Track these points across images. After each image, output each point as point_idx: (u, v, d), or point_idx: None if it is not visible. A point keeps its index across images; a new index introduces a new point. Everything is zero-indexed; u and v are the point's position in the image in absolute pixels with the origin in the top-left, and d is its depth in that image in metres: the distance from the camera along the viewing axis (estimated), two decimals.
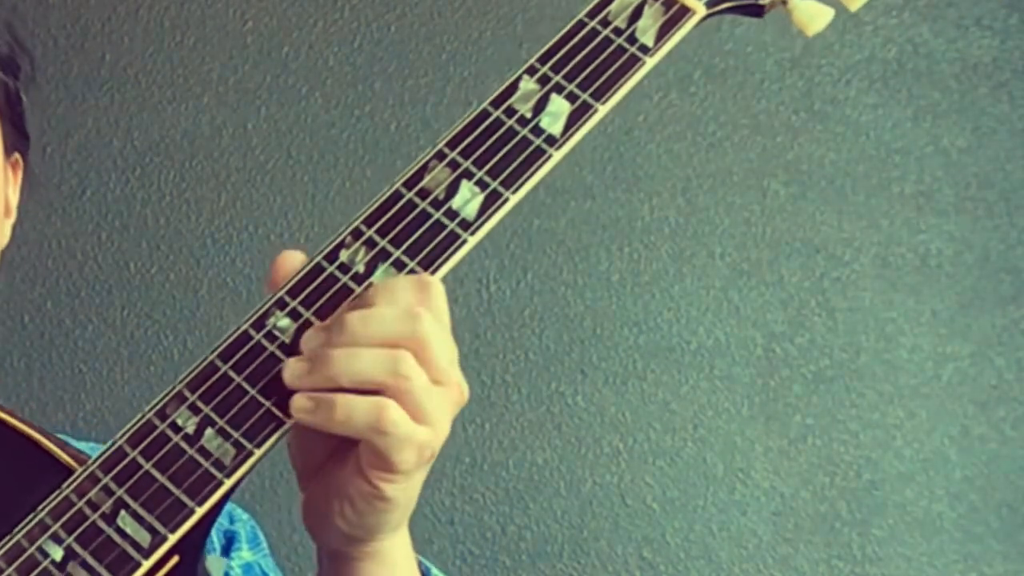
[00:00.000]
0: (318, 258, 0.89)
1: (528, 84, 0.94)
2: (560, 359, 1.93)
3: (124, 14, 1.95)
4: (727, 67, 1.97)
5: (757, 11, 0.98)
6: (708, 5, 0.95)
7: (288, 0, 1.97)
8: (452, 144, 0.91)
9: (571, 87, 0.93)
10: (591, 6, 0.95)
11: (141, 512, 0.85)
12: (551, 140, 0.91)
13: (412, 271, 0.88)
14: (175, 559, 0.85)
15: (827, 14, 0.97)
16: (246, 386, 0.87)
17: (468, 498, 1.91)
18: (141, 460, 0.86)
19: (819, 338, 1.95)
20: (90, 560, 0.84)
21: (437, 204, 0.89)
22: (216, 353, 0.88)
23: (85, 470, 0.86)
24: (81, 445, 1.13)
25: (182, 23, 1.95)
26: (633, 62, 0.93)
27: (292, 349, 0.87)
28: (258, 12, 1.96)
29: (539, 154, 0.91)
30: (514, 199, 0.90)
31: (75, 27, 1.94)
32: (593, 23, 0.94)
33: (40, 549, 0.85)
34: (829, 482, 1.93)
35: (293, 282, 0.89)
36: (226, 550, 1.21)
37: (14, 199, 1.20)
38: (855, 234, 1.96)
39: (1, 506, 0.87)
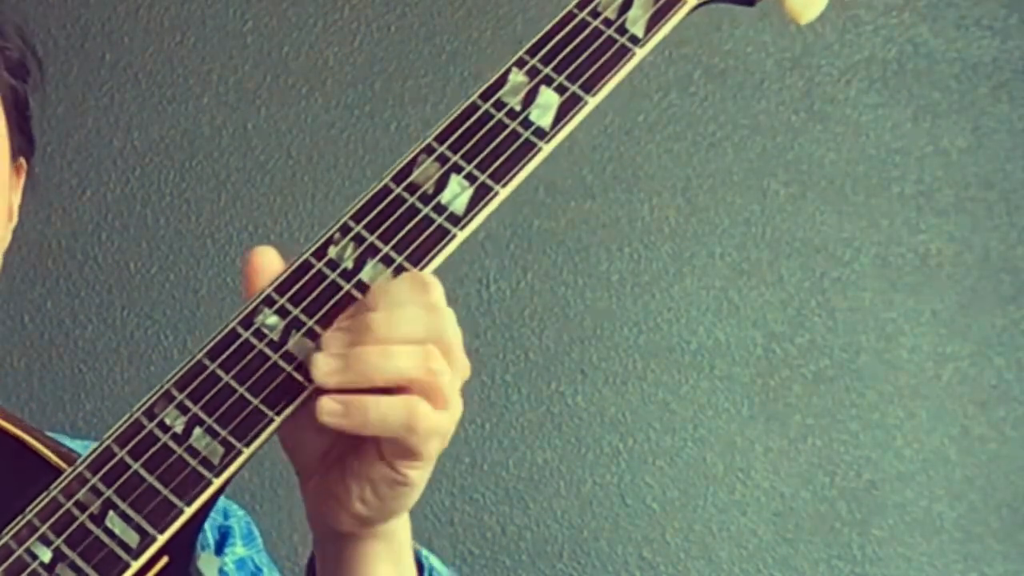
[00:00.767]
0: (306, 255, 0.88)
1: (517, 76, 0.92)
2: (560, 359, 1.93)
3: (124, 14, 1.95)
4: (727, 67, 1.97)
5: (749, 1, 0.97)
6: None
7: (288, 0, 1.97)
8: (441, 138, 0.90)
9: (560, 79, 0.91)
10: None
11: (130, 512, 0.84)
12: (540, 133, 0.90)
13: (401, 266, 0.87)
14: (164, 559, 0.85)
15: (820, 2, 0.96)
16: (235, 384, 0.86)
17: (468, 498, 1.91)
18: (129, 460, 0.85)
19: (819, 338, 1.95)
20: (79, 562, 0.84)
21: (426, 199, 0.89)
22: (204, 352, 0.87)
23: (73, 471, 0.86)
24: (75, 444, 1.13)
25: (182, 23, 1.95)
26: (623, 53, 0.91)
27: (281, 346, 0.86)
28: (258, 12, 1.96)
29: (529, 147, 0.90)
30: (504, 193, 0.89)
31: (75, 27, 1.94)
32: (583, 14, 0.92)
33: (28, 551, 0.84)
34: (829, 482, 1.93)
35: (281, 279, 0.88)
36: (220, 546, 1.21)
37: (17, 203, 1.20)
38: (855, 234, 1.96)
39: None
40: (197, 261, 1.92)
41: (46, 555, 0.84)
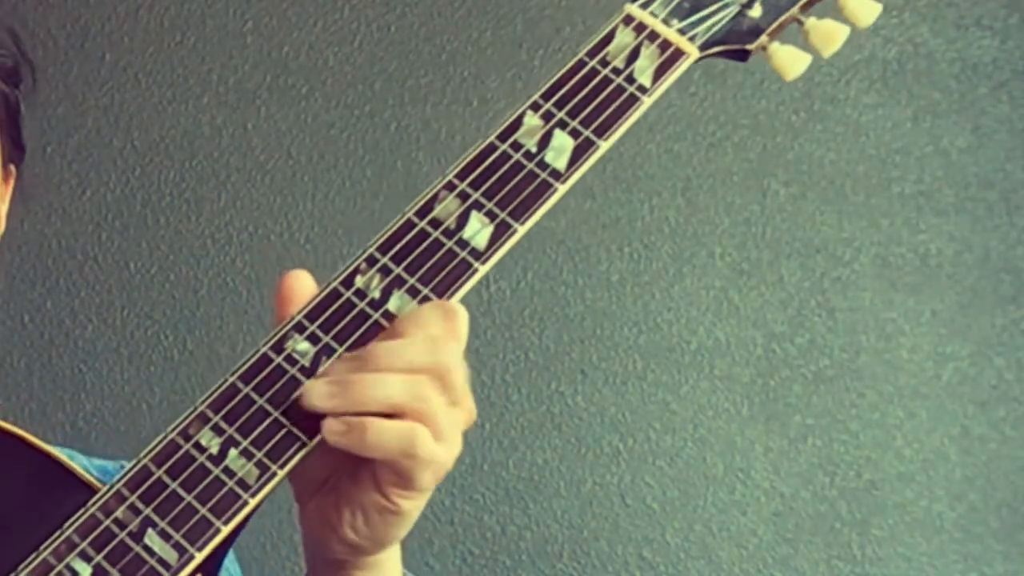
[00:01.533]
0: (335, 283, 0.91)
1: (532, 120, 0.95)
2: (560, 359, 1.93)
3: (124, 14, 1.95)
4: (727, 67, 1.97)
5: (743, 56, 1.02)
6: (701, 49, 0.99)
7: (288, 0, 1.97)
8: (461, 175, 0.94)
9: (574, 124, 0.95)
10: (590, 46, 0.98)
11: (168, 530, 0.86)
12: (556, 175, 0.94)
13: (426, 298, 0.91)
14: None
15: (805, 60, 1.02)
16: (268, 408, 0.88)
17: (468, 498, 1.91)
18: (167, 479, 0.87)
19: (819, 338, 1.95)
20: None
21: (449, 233, 0.92)
22: (237, 375, 0.89)
23: (110, 488, 0.87)
24: (87, 460, 1.13)
25: (182, 23, 1.95)
26: (632, 101, 0.96)
27: (312, 373, 0.89)
28: (258, 12, 1.96)
29: (545, 187, 0.94)
30: (522, 230, 0.93)
31: (75, 27, 1.94)
32: (593, 62, 0.97)
33: (68, 567, 0.85)
34: (829, 482, 1.93)
35: (311, 306, 0.90)
36: None
37: (4, 211, 1.20)
38: (855, 234, 1.96)
39: (23, 523, 0.87)
40: (197, 261, 1.93)
41: (86, 571, 0.85)
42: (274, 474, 0.87)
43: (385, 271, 0.91)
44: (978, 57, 1.99)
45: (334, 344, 0.89)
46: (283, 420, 0.88)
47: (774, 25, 1.01)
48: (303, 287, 0.91)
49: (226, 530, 0.86)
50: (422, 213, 0.93)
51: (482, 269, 0.92)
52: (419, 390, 0.86)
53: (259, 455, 0.87)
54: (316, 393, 0.87)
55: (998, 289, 1.96)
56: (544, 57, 1.97)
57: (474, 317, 1.91)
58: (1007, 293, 1.97)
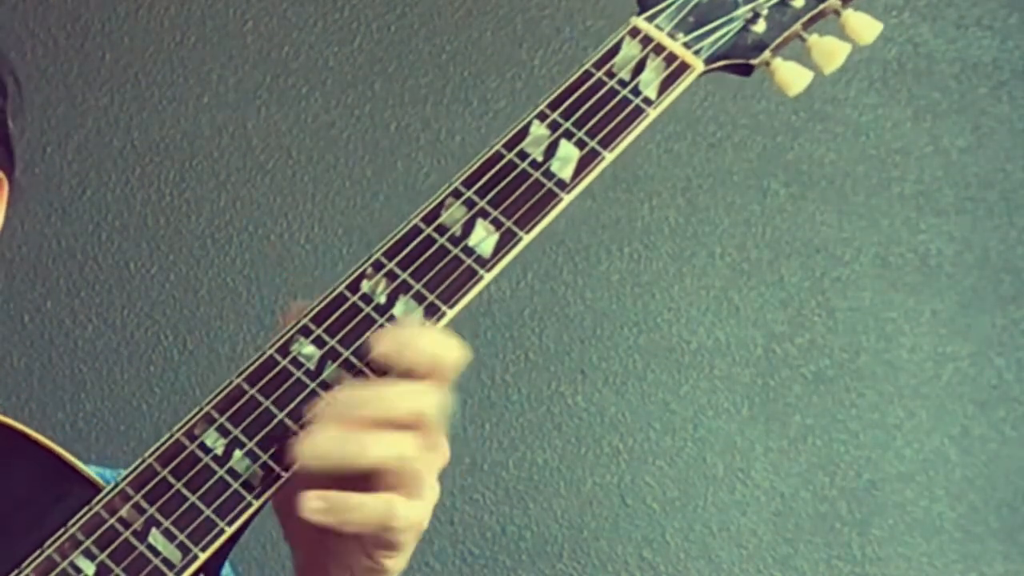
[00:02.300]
0: (340, 288, 0.91)
1: (539, 129, 0.97)
2: (560, 359, 1.93)
3: (124, 14, 1.95)
4: None
5: (746, 71, 1.04)
6: (706, 62, 1.01)
7: (288, 0, 1.97)
8: (468, 183, 0.95)
9: (580, 134, 0.96)
10: (596, 57, 0.98)
11: (172, 530, 0.86)
12: (562, 184, 0.96)
13: (432, 304, 0.91)
14: None
15: (806, 76, 1.02)
16: (273, 410, 0.88)
17: (468, 498, 1.91)
18: (171, 479, 0.87)
19: (819, 338, 1.95)
20: None
21: (455, 240, 0.93)
22: (242, 376, 0.89)
23: (115, 487, 0.87)
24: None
25: (182, 23, 1.95)
26: (637, 113, 0.98)
27: (317, 376, 0.89)
28: (258, 12, 1.96)
29: (551, 197, 0.95)
30: (527, 239, 0.95)
31: (75, 27, 1.94)
32: (599, 74, 0.98)
33: (72, 564, 0.86)
34: (829, 482, 1.93)
35: (316, 310, 0.91)
36: None
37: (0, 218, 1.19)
38: (855, 234, 1.96)
39: (26, 519, 0.87)
40: (197, 261, 1.93)
41: (90, 568, 0.86)
42: (278, 476, 0.88)
43: (391, 276, 0.91)
44: (978, 57, 1.99)
45: (340, 348, 0.89)
46: (289, 423, 0.88)
47: (778, 40, 1.02)
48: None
49: (230, 531, 0.86)
50: (428, 219, 0.93)
51: (487, 276, 0.93)
52: (402, 450, 0.87)
53: (264, 457, 0.87)
54: (305, 453, 0.86)
55: (998, 289, 1.96)
56: (544, 57, 1.97)
57: (474, 317, 1.90)
58: (1007, 293, 1.97)
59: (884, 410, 1.94)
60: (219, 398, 0.89)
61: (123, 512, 0.86)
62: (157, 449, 0.88)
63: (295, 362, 0.89)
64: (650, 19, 0.99)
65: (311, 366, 0.89)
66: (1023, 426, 1.95)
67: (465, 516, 1.91)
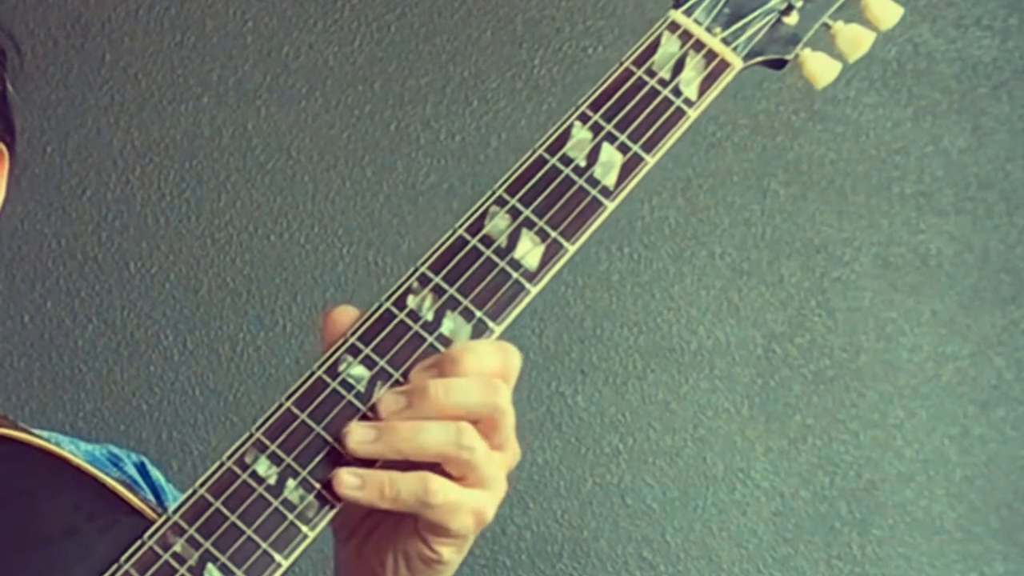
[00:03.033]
0: (387, 304, 0.89)
1: (581, 132, 0.94)
2: (560, 359, 1.93)
3: (124, 14, 1.95)
4: None
5: (780, 65, 1.03)
6: (744, 59, 0.99)
7: (288, 0, 1.97)
8: (511, 190, 0.92)
9: (622, 138, 0.95)
10: (636, 54, 0.96)
11: (230, 566, 0.84)
12: (606, 192, 0.94)
13: (480, 321, 0.89)
14: None
15: (835, 68, 1.02)
16: (325, 436, 0.86)
17: None
18: (225, 511, 0.85)
19: (819, 338, 1.95)
20: None
21: (501, 253, 0.91)
22: (292, 400, 0.88)
23: (167, 519, 0.86)
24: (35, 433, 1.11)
25: (182, 23, 1.95)
26: (679, 115, 0.96)
27: (368, 398, 0.87)
28: (258, 12, 1.96)
29: (596, 205, 0.94)
30: (572, 250, 0.92)
31: (75, 27, 1.94)
32: (640, 72, 0.95)
33: None
34: (829, 482, 1.93)
35: (364, 327, 0.89)
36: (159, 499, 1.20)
37: (1, 192, 1.16)
38: (855, 234, 1.96)
39: (70, 550, 0.85)
40: (197, 261, 1.92)
41: None
42: (333, 506, 0.86)
43: (438, 291, 0.89)
44: (978, 57, 1.99)
45: (389, 369, 0.88)
46: (340, 449, 0.86)
47: (810, 32, 1.01)
48: (350, 319, 0.90)
49: (287, 564, 0.85)
50: (473, 230, 0.91)
51: (534, 291, 0.90)
52: (464, 439, 0.85)
53: (318, 486, 0.86)
54: (356, 438, 0.86)
55: (998, 289, 1.96)
56: (544, 57, 1.97)
57: None
58: (1007, 293, 1.96)
59: (884, 410, 1.94)
60: (269, 423, 0.87)
61: (177, 547, 0.85)
62: (208, 478, 0.86)
63: (345, 384, 0.87)
64: (688, 12, 0.97)
65: (361, 388, 0.87)
66: (1023, 426, 1.95)
67: None
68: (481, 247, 0.91)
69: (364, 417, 0.87)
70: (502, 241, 0.91)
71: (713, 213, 1.96)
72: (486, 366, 0.87)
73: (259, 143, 1.95)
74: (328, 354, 0.88)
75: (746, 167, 1.97)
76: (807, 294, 1.95)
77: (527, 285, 0.90)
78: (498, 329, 0.90)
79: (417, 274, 0.90)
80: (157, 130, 1.94)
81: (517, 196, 0.92)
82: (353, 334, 0.89)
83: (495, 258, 0.90)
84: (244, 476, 0.86)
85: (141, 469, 1.19)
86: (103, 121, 1.93)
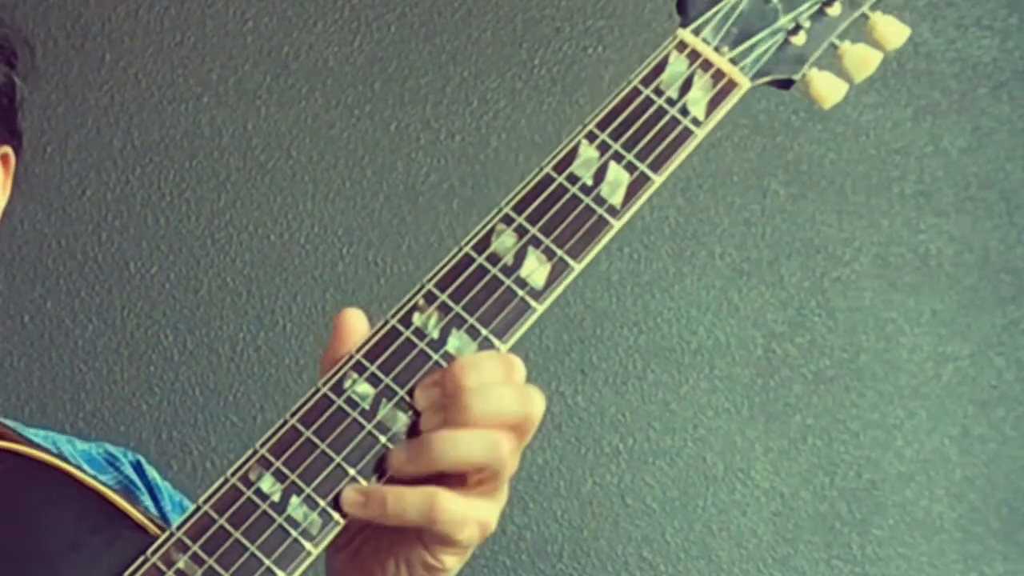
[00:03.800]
0: (392, 321, 0.90)
1: (588, 150, 0.94)
2: (560, 359, 1.93)
3: (124, 14, 1.95)
4: None
5: (787, 85, 1.02)
6: (752, 79, 0.98)
7: (288, 0, 1.97)
8: (518, 209, 0.92)
9: (629, 157, 0.94)
10: (644, 73, 0.96)
11: None
12: (613, 211, 0.93)
13: (486, 339, 0.89)
14: None
15: (842, 88, 1.01)
16: (330, 453, 0.87)
17: None
18: (229, 528, 0.85)
19: (819, 338, 1.95)
20: None
21: (507, 271, 0.91)
22: (296, 417, 0.88)
23: (170, 536, 0.86)
24: (30, 432, 1.11)
25: (182, 23, 1.95)
26: (686, 135, 0.95)
27: (372, 416, 0.87)
28: (258, 12, 1.96)
29: (602, 224, 0.93)
30: (578, 268, 0.92)
31: (75, 27, 1.94)
32: (647, 91, 0.96)
33: None
34: (829, 482, 1.93)
35: (369, 345, 0.89)
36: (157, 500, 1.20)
37: (2, 197, 1.16)
38: (855, 234, 1.96)
39: (74, 564, 0.85)
40: (197, 261, 1.92)
41: None
42: (336, 524, 0.86)
43: (444, 309, 0.89)
44: (978, 57, 1.99)
45: (395, 387, 0.88)
46: (346, 467, 0.86)
47: (818, 52, 1.01)
48: (359, 325, 0.90)
49: None
50: (479, 248, 0.91)
51: (539, 309, 0.91)
52: (500, 451, 0.86)
53: (323, 504, 0.86)
54: (394, 460, 0.86)
55: (998, 289, 1.96)
56: (544, 57, 1.97)
57: None
58: (1007, 293, 1.96)
59: (884, 410, 1.94)
60: (273, 440, 0.87)
61: (180, 563, 0.85)
62: (212, 495, 0.86)
63: (350, 401, 0.88)
64: (696, 31, 0.97)
65: (366, 406, 0.87)
66: (1023, 426, 1.95)
67: None
68: (487, 265, 0.91)
69: (369, 435, 0.87)
70: (508, 259, 0.91)
71: (713, 213, 1.96)
72: (488, 379, 0.87)
73: (259, 143, 1.95)
74: (333, 371, 0.89)
75: (746, 167, 1.97)
76: (807, 294, 1.95)
77: (533, 303, 0.90)
78: (504, 347, 0.90)
79: (423, 291, 0.90)
80: (157, 130, 1.94)
81: (524, 214, 0.92)
82: (359, 351, 0.89)
83: (501, 276, 0.91)
84: (248, 493, 0.86)
85: (138, 468, 1.19)
86: (103, 121, 1.94)
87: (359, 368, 0.88)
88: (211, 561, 0.85)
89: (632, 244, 1.95)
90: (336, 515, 0.86)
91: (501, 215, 0.92)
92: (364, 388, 0.88)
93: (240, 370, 1.91)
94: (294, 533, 0.85)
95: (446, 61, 1.96)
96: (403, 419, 0.88)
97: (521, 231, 0.92)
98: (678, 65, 0.96)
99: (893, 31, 1.01)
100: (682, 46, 0.97)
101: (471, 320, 0.89)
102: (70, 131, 1.93)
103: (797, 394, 1.94)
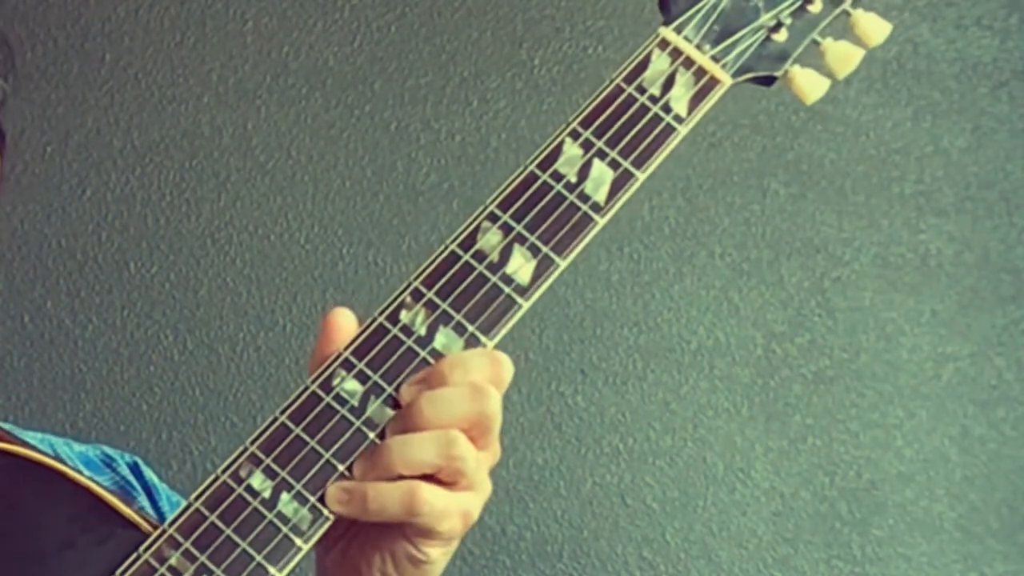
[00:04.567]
0: (380, 319, 0.91)
1: (572, 148, 0.95)
2: (560, 359, 1.93)
3: (124, 14, 1.95)
4: None
5: (769, 82, 1.03)
6: (733, 76, 1.00)
7: (288, 0, 1.97)
8: (503, 206, 0.94)
9: (613, 154, 0.96)
10: (627, 71, 0.98)
11: None
12: (597, 208, 0.94)
13: (472, 336, 0.91)
14: None
15: (824, 84, 1.04)
16: (320, 450, 0.88)
17: None
18: (220, 524, 0.86)
19: (819, 338, 1.95)
20: None
21: (493, 268, 0.92)
22: (286, 414, 0.89)
23: (162, 533, 0.86)
24: (27, 435, 1.12)
25: (182, 23, 1.95)
26: (669, 131, 0.98)
27: (361, 413, 0.88)
28: (258, 12, 1.96)
29: (587, 221, 0.94)
30: (563, 265, 0.93)
31: (75, 27, 1.94)
32: (630, 89, 0.97)
33: None
34: (829, 482, 1.93)
35: (357, 343, 0.90)
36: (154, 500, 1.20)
37: None
38: (855, 234, 1.96)
39: (66, 562, 0.86)
40: (197, 261, 1.92)
41: None
42: (327, 519, 0.87)
43: (431, 306, 0.91)
44: (978, 57, 1.99)
45: (383, 383, 0.89)
46: (336, 463, 0.87)
47: (800, 49, 1.02)
48: (348, 324, 0.91)
49: None
50: (465, 245, 0.92)
51: (525, 305, 0.92)
52: (454, 450, 0.86)
53: (312, 500, 0.87)
54: (358, 471, 0.87)
55: (998, 289, 1.96)
56: (544, 57, 1.97)
57: None
58: (1007, 293, 1.96)
59: (884, 410, 1.94)
60: (263, 437, 0.88)
61: (172, 560, 0.85)
62: (203, 492, 0.87)
63: (338, 398, 0.88)
64: (678, 30, 0.98)
65: (355, 403, 0.88)
66: (1023, 426, 1.95)
67: None
68: (473, 262, 0.92)
69: (357, 431, 0.88)
70: (494, 256, 0.92)
71: (713, 213, 1.96)
72: (475, 377, 0.88)
73: (259, 143, 1.95)
74: (322, 368, 0.89)
75: (746, 167, 1.97)
76: (807, 294, 1.95)
77: (519, 300, 0.92)
78: (490, 344, 0.92)
79: (410, 289, 0.91)
80: (157, 130, 1.94)
81: (509, 212, 0.93)
82: (347, 348, 0.90)
83: (487, 273, 0.92)
84: (239, 490, 0.87)
85: (135, 469, 1.20)
86: (103, 121, 1.94)
87: (347, 365, 0.89)
88: (203, 558, 0.85)
89: (632, 244, 1.95)
90: (326, 511, 0.87)
91: (486, 213, 0.93)
92: (352, 385, 0.89)
93: (240, 370, 1.91)
94: (284, 529, 0.86)
95: (446, 61, 1.96)
96: (391, 415, 0.89)
97: (506, 228, 0.93)
98: (660, 63, 0.98)
99: (874, 27, 1.02)
100: (664, 44, 0.98)
101: (457, 317, 0.91)
102: (70, 131, 1.93)
103: (797, 394, 1.94)
